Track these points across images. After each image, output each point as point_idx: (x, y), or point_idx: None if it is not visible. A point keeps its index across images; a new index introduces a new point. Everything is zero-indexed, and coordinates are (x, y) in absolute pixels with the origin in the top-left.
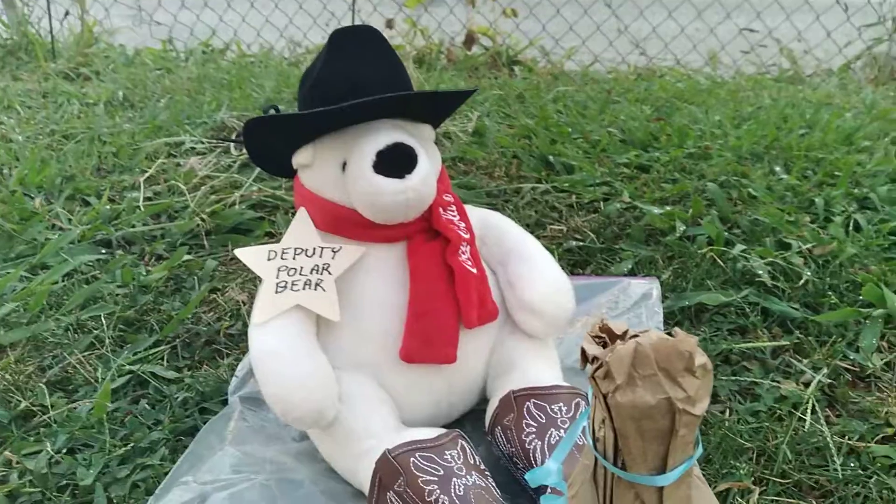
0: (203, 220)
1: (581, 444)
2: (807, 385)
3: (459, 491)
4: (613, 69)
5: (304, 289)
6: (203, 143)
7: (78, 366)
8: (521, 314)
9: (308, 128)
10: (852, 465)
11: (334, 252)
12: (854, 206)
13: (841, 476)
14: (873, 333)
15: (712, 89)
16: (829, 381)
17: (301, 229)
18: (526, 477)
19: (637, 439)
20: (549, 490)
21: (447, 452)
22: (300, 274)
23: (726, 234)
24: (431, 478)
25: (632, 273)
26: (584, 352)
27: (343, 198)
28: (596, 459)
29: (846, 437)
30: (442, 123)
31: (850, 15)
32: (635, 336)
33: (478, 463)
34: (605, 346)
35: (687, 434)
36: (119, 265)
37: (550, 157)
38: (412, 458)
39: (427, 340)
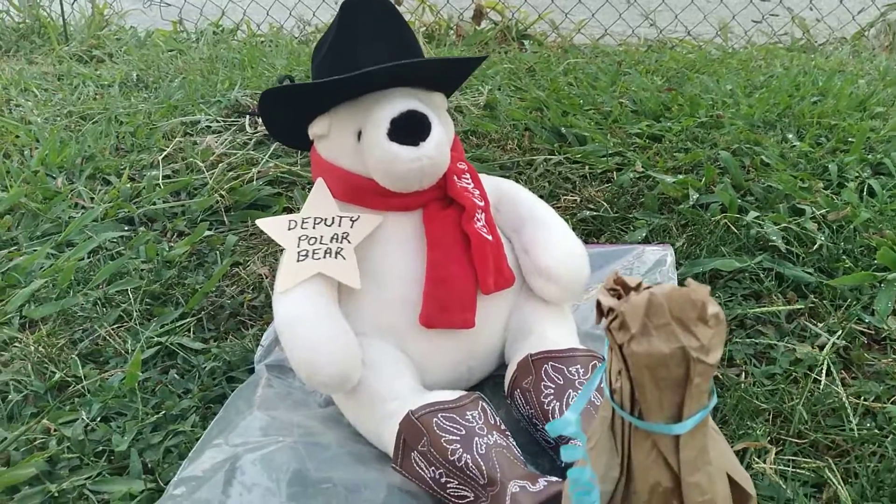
0: (222, 196)
1: (598, 404)
2: (822, 348)
3: (481, 450)
4: (623, 42)
5: (324, 257)
6: (218, 121)
7: (108, 338)
8: (537, 280)
9: (323, 97)
10: (868, 425)
11: (353, 221)
12: (868, 172)
13: (857, 436)
14: (888, 297)
15: (724, 59)
16: (845, 343)
17: (319, 199)
18: (546, 427)
19: (653, 388)
20: (569, 442)
21: (468, 413)
22: (320, 243)
23: (739, 201)
24: (454, 437)
25: (646, 241)
26: (599, 305)
27: (359, 167)
28: (613, 410)
29: (862, 398)
30: (453, 95)
31: None
32: (649, 288)
33: (498, 423)
34: (619, 298)
35: (701, 383)
36: (142, 241)
37: (562, 129)
38: (435, 419)
39: (445, 306)
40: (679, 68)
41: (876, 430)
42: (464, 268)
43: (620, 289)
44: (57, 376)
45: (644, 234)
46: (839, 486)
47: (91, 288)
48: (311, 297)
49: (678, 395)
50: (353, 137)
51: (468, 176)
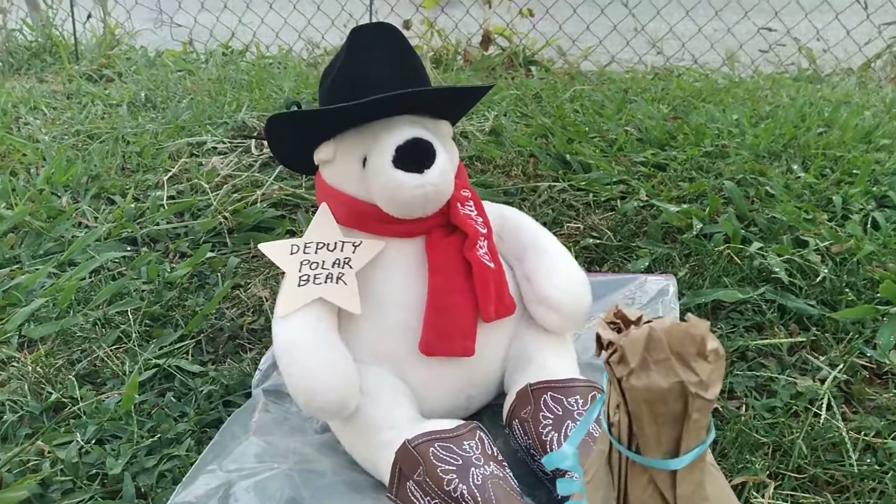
0: (225, 218)
1: (597, 435)
2: (823, 381)
3: (477, 480)
4: (630, 69)
5: (325, 282)
6: (224, 142)
7: (106, 359)
8: (539, 308)
9: (329, 123)
10: (868, 460)
11: (355, 246)
12: (872, 205)
13: (857, 471)
14: (891, 331)
15: (730, 88)
16: (846, 377)
17: (323, 224)
18: (542, 461)
19: (651, 423)
20: (566, 475)
21: (465, 443)
22: (322, 268)
23: (743, 231)
24: (450, 467)
25: (648, 270)
26: (599, 338)
27: (364, 193)
28: (611, 444)
29: (862, 433)
30: (459, 121)
31: (870, 13)
32: (649, 322)
33: (495, 453)
34: (619, 331)
35: (700, 418)
36: (144, 262)
37: (567, 156)
38: (431, 448)
39: (445, 334)
40: (685, 97)
41: (876, 466)
42: (465, 295)
43: (620, 322)
44: (53, 397)
45: (647, 264)
46: None
47: (91, 308)
48: (311, 322)
49: (676, 430)
50: (359, 164)
51: (471, 203)
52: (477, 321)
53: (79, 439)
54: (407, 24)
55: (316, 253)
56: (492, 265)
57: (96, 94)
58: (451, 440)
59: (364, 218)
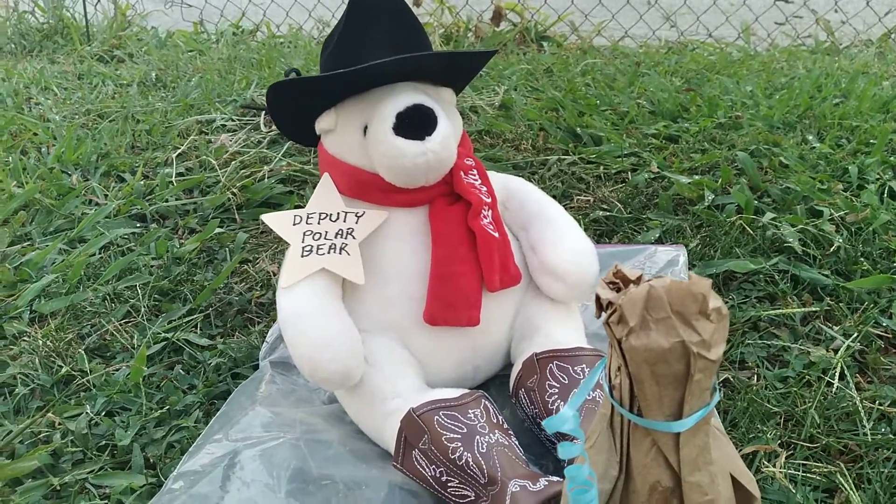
0: (234, 194)
1: (600, 401)
2: (836, 351)
3: (482, 448)
4: (644, 44)
5: (329, 253)
6: (233, 120)
7: (115, 333)
8: (544, 278)
9: (329, 91)
10: (883, 430)
11: (358, 216)
12: (889, 174)
13: (871, 440)
14: None
15: (745, 61)
16: (861, 347)
17: (325, 194)
18: (543, 424)
19: (652, 384)
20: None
21: (470, 411)
22: (325, 238)
23: (756, 202)
24: (455, 435)
25: (659, 242)
26: (598, 299)
27: (365, 162)
28: (612, 407)
29: (877, 403)
30: (468, 95)
31: None
32: (649, 281)
33: (501, 422)
34: (618, 291)
35: (703, 379)
36: (153, 238)
37: (578, 129)
38: (436, 417)
39: (450, 303)
40: (699, 69)
41: (891, 436)
42: (469, 265)
43: (620, 282)
44: (63, 370)
45: (657, 235)
46: (851, 492)
47: (101, 283)
48: (315, 292)
49: (678, 391)
50: (360, 132)
51: (475, 172)
52: (482, 291)
53: (88, 411)
54: (417, 2)
55: (319, 223)
56: (496, 234)
57: (107, 74)
58: (455, 409)
59: (367, 187)
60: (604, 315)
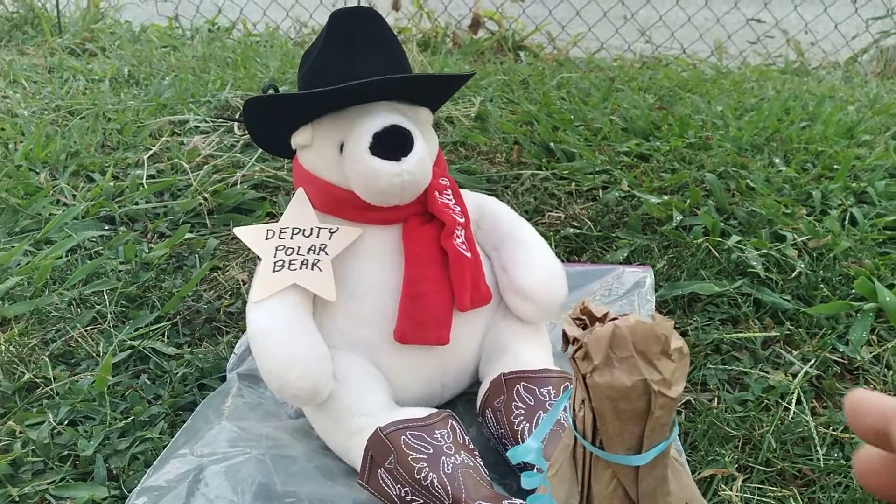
0: (205, 198)
1: (566, 425)
2: (795, 376)
3: (448, 469)
4: (619, 57)
5: (301, 268)
6: (207, 121)
7: (80, 340)
8: (514, 298)
9: (306, 108)
10: (836, 455)
11: (331, 233)
12: (851, 200)
13: (823, 465)
14: (863, 327)
15: (716, 79)
16: (818, 372)
17: (299, 209)
18: (508, 454)
19: (614, 419)
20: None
21: (437, 431)
22: (297, 253)
23: (722, 224)
24: (421, 455)
25: (627, 261)
26: (565, 334)
27: (340, 179)
28: (575, 439)
29: (830, 428)
30: (444, 105)
31: (859, 7)
32: (615, 319)
33: (467, 443)
34: (585, 327)
35: (663, 416)
36: (122, 242)
37: (552, 144)
38: (403, 437)
39: (420, 322)
40: (672, 87)
41: (842, 461)
42: (440, 284)
43: (586, 318)
44: (26, 377)
45: (626, 254)
46: None
47: (67, 287)
48: (286, 308)
49: (639, 426)
50: (336, 150)
51: (450, 192)
52: (452, 310)
53: (51, 420)
54: (396, 5)
55: (291, 238)
56: (468, 254)
57: (78, 68)
58: (422, 429)
59: (341, 204)
60: (570, 349)
